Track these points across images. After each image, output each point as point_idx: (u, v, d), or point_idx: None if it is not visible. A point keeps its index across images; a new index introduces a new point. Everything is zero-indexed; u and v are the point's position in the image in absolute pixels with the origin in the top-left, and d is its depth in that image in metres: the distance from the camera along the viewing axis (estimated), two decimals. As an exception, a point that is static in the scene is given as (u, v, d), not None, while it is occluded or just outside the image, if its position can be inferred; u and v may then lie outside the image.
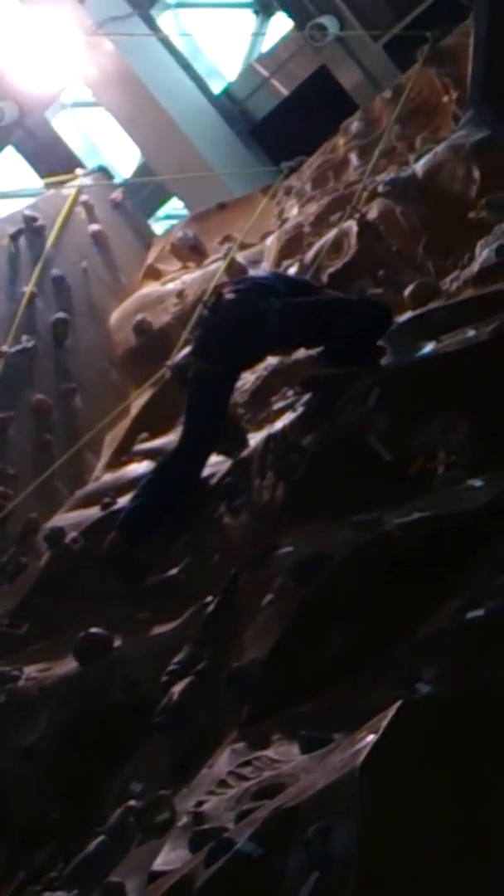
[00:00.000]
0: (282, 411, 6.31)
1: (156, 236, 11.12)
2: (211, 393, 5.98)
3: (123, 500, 6.21)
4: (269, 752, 3.75)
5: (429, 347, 5.25)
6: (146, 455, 7.11)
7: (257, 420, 6.72)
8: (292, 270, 7.84)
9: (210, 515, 5.69)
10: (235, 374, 6.17)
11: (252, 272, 7.97)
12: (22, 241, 9.17)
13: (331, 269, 7.46)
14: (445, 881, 2.61)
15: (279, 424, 5.79)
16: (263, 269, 8.25)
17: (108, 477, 7.26)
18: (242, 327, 5.83)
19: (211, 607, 4.81)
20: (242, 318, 5.83)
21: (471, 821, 2.68)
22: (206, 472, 6.00)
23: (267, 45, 14.45)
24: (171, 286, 9.53)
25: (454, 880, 2.61)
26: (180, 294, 9.17)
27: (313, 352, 6.17)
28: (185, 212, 13.01)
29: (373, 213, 7.50)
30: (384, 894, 2.61)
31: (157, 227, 12.44)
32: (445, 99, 8.70)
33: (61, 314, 8.97)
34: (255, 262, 8.83)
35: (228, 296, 5.99)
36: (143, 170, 14.05)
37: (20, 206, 9.65)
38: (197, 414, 5.97)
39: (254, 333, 5.84)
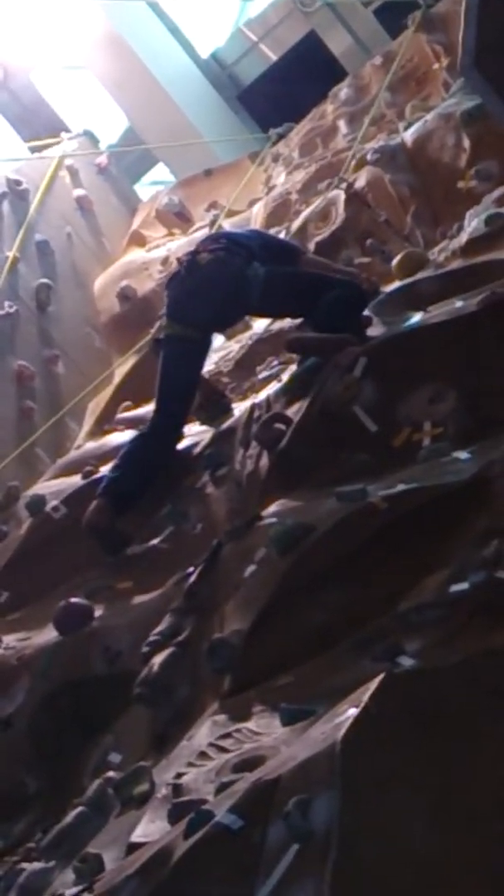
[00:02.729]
0: (267, 381, 6.27)
1: (141, 202, 11.04)
2: (185, 357, 5.90)
3: (105, 469, 6.17)
4: (250, 724, 3.74)
5: (416, 318, 5.21)
6: (129, 423, 7.06)
7: (242, 390, 6.69)
8: (279, 238, 7.77)
9: (193, 485, 5.65)
10: (210, 336, 6.10)
11: (229, 228, 7.88)
12: (5, 205, 9.11)
13: (318, 238, 7.41)
14: (425, 853, 2.61)
15: (264, 394, 5.76)
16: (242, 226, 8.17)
17: (91, 445, 7.21)
18: (223, 291, 5.75)
19: (193, 577, 4.78)
20: (224, 282, 5.74)
21: (451, 793, 2.69)
22: (189, 441, 5.96)
23: (256, 9, 14.31)
24: (155, 253, 9.48)
25: (434, 852, 2.60)
26: (165, 261, 9.11)
27: (297, 321, 6.14)
28: (171, 177, 12.92)
29: (361, 181, 7.44)
30: (364, 866, 2.62)
31: (143, 192, 12.33)
32: (436, 66, 8.64)
33: (44, 280, 8.93)
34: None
35: (205, 255, 5.87)
36: (129, 134, 13.94)
37: (4, 169, 9.55)
38: (171, 379, 5.89)
39: (235, 299, 5.77)
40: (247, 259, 5.78)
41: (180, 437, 5.96)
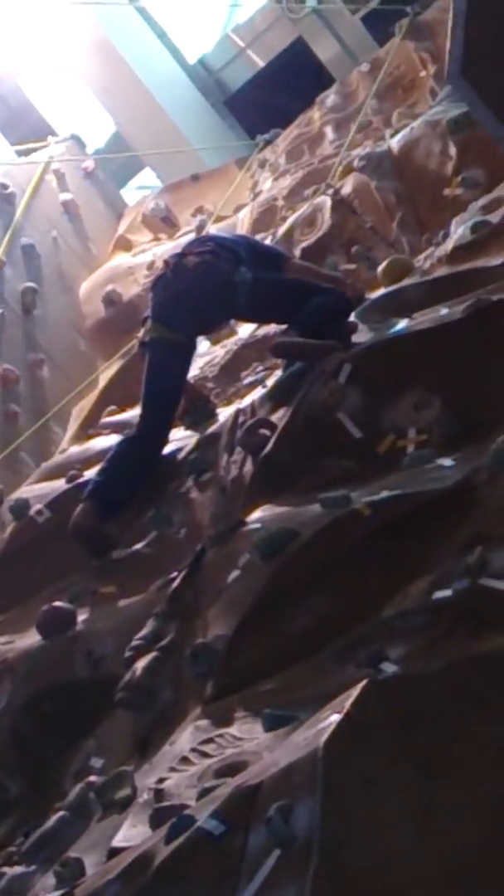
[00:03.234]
0: (251, 386, 6.27)
1: (127, 206, 11.04)
2: (171, 360, 5.89)
3: (90, 473, 6.16)
4: (233, 730, 3.73)
5: (401, 324, 5.21)
6: (114, 428, 7.06)
7: (226, 395, 6.69)
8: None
9: (177, 490, 5.65)
10: (195, 340, 6.10)
11: (215, 232, 7.88)
12: (-9, 209, 9.10)
13: (304, 244, 7.42)
14: (408, 859, 2.61)
15: (248, 400, 5.76)
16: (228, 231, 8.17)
17: (75, 449, 7.20)
18: (209, 295, 5.74)
19: (176, 582, 4.78)
20: (210, 286, 5.74)
21: (433, 799, 2.69)
22: (174, 446, 5.95)
23: (243, 15, 14.33)
24: (141, 257, 9.49)
25: (416, 858, 2.61)
26: (151, 266, 9.11)
27: (283, 326, 6.14)
28: (158, 182, 12.92)
29: (347, 188, 7.46)
30: (345, 873, 2.62)
31: (130, 197, 12.33)
32: (423, 74, 8.68)
33: (30, 283, 8.93)
34: (228, 235, 8.77)
35: (192, 258, 5.86)
36: (116, 139, 13.94)
37: (-10, 173, 9.56)
38: (157, 383, 5.88)
39: (221, 303, 5.78)
40: (234, 263, 5.78)
41: (166, 441, 5.95)
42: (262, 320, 6.49)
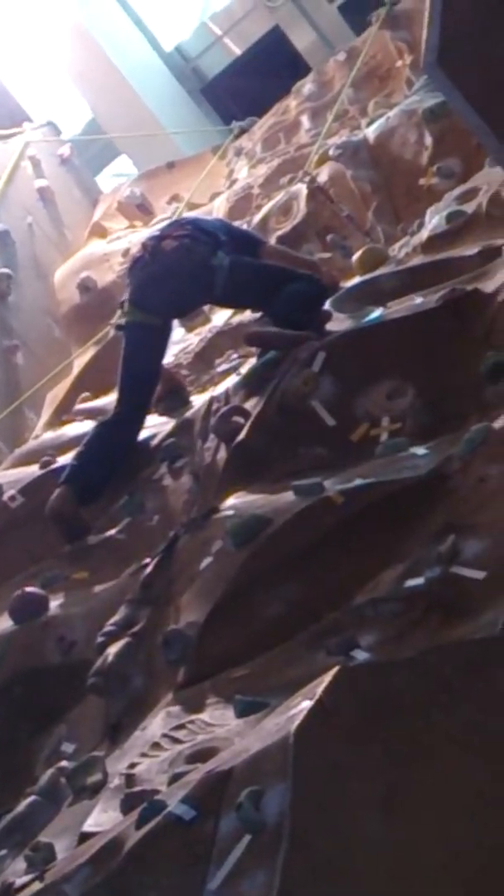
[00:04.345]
0: (226, 374, 6.27)
1: (103, 193, 11.00)
2: (147, 344, 5.89)
3: (63, 459, 6.15)
4: (204, 716, 3.74)
5: (376, 313, 5.22)
6: (87, 414, 7.05)
7: (201, 382, 6.68)
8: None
9: (150, 476, 5.65)
10: (170, 322, 6.09)
11: (193, 214, 7.87)
12: (-34, 195, 9.06)
13: (279, 232, 7.41)
14: (377, 845, 2.62)
15: (223, 387, 5.75)
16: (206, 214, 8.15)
17: (49, 435, 7.19)
18: (187, 279, 5.73)
19: (149, 569, 4.78)
20: (189, 270, 5.73)
21: (403, 786, 2.70)
22: (147, 432, 5.95)
23: (220, 3, 14.30)
24: (116, 244, 9.44)
25: (386, 844, 2.62)
26: (126, 253, 9.06)
27: (257, 314, 6.14)
28: (133, 169, 12.89)
29: (323, 176, 7.45)
30: (315, 858, 2.63)
31: (105, 184, 12.29)
32: (399, 63, 8.66)
33: (5, 269, 8.89)
34: (203, 222, 8.74)
35: (170, 241, 5.85)
36: (92, 126, 13.89)
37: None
38: (134, 367, 5.87)
39: (198, 287, 5.77)
40: (212, 247, 5.77)
41: (143, 424, 5.95)
42: (238, 306, 6.48)
